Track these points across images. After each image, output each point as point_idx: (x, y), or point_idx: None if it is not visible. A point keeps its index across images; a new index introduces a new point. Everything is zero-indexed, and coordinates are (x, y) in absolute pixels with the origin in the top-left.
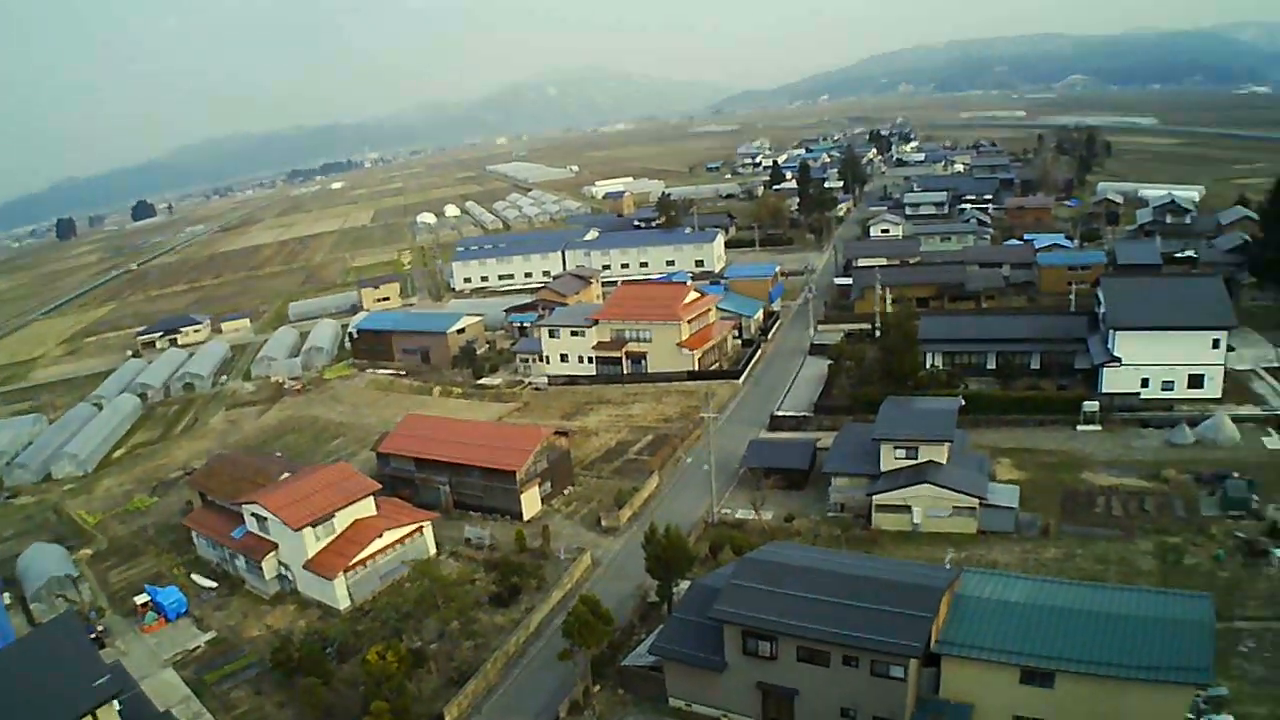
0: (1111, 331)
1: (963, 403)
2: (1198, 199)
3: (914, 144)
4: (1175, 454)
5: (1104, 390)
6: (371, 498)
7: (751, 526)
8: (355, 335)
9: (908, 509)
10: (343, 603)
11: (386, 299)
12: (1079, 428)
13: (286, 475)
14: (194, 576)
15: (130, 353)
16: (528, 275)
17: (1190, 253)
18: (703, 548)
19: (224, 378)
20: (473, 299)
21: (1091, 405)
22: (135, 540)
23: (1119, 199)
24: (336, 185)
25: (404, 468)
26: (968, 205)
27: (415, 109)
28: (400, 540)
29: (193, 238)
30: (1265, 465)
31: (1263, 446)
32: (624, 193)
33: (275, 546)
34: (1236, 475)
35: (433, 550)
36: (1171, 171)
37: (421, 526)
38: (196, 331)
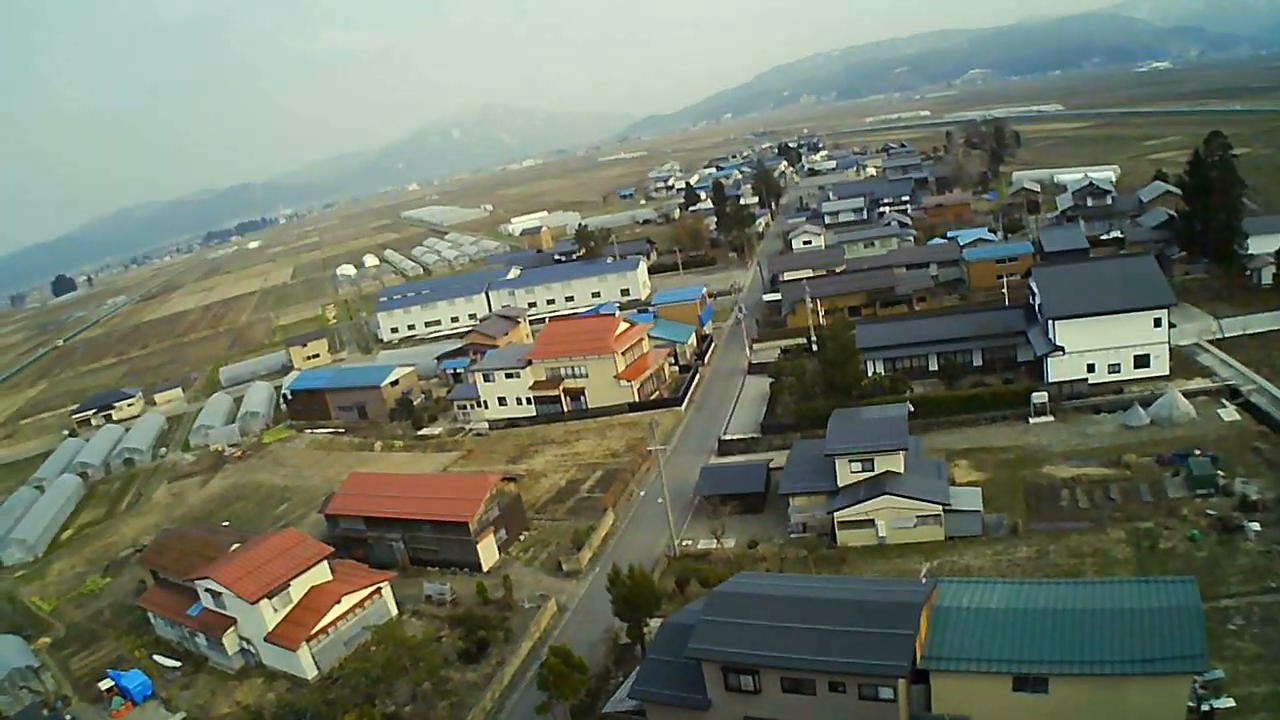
0: (1051, 322)
1: (911, 408)
2: (1115, 179)
3: (823, 153)
4: (1132, 437)
5: (1051, 380)
6: (325, 563)
7: (716, 556)
8: (289, 396)
9: (871, 523)
10: (310, 672)
11: (316, 355)
12: (1031, 420)
13: (236, 546)
14: (156, 657)
15: (66, 432)
16: (454, 320)
17: (1116, 233)
18: (668, 583)
19: (163, 450)
20: (402, 348)
21: (1041, 396)
22: (93, 624)
23: (1036, 187)
24: (253, 245)
25: (354, 527)
26: (886, 209)
27: (324, 162)
28: (360, 604)
29: (115, 309)
30: (1224, 438)
31: (1219, 419)
32: (540, 228)
33: (234, 621)
34: (1198, 452)
35: (394, 610)
36: (1083, 154)
37: (380, 587)
38: (130, 405)
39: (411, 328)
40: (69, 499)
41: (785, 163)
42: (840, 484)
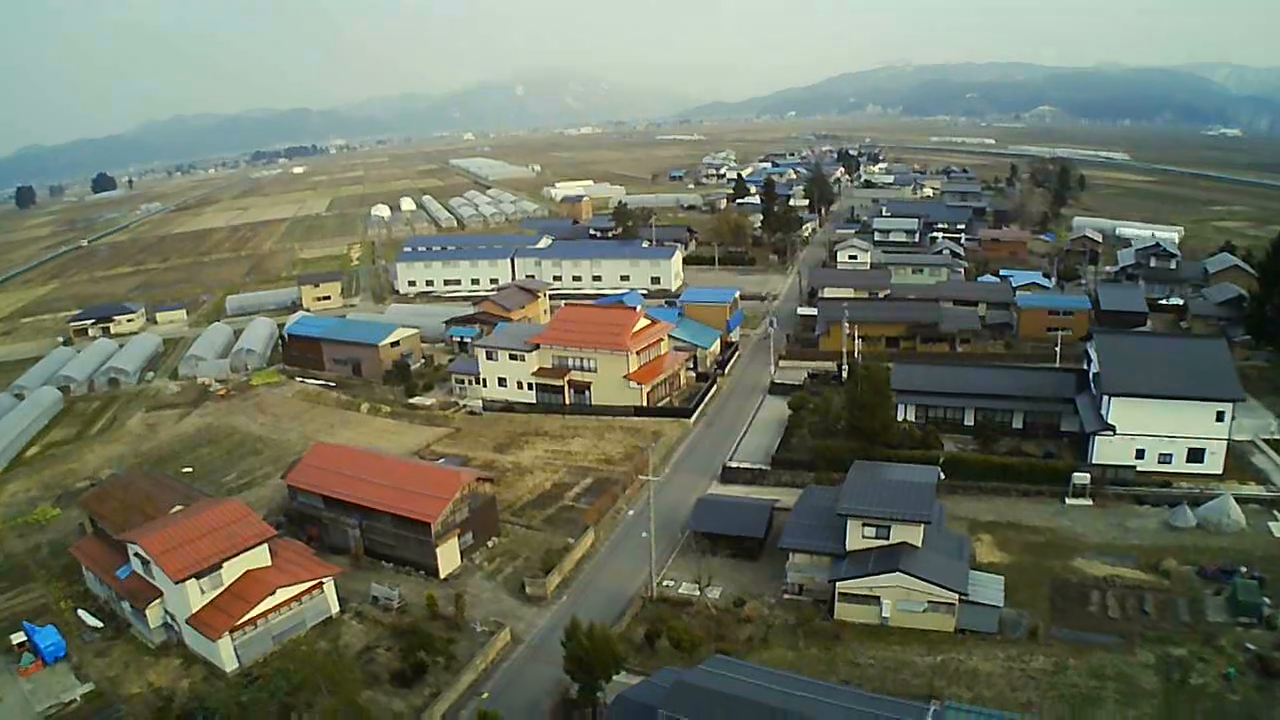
0: (1107, 397)
1: (942, 475)
2: (1177, 240)
3: (882, 165)
4: (1175, 539)
5: (1095, 460)
6: (266, 546)
7: (696, 608)
8: (286, 339)
9: (876, 600)
10: (229, 665)
11: (327, 298)
12: (1068, 501)
13: (178, 509)
14: (80, 612)
15: (61, 339)
16: (474, 282)
17: (1177, 300)
18: (638, 630)
19: (151, 374)
20: (415, 304)
21: (1083, 478)
22: (28, 561)
23: (1098, 237)
24: (298, 170)
25: (312, 503)
26: (939, 234)
27: (385, 100)
28: (297, 597)
29: (147, 215)
30: (1274, 558)
31: (1269, 534)
32: (583, 197)
33: (160, 594)
34: (1244, 571)
35: (335, 609)
36: (1146, 209)
37: (322, 582)
38: (130, 321)
39: (430, 284)
40: (44, 413)
41: (842, 169)
42: (849, 548)
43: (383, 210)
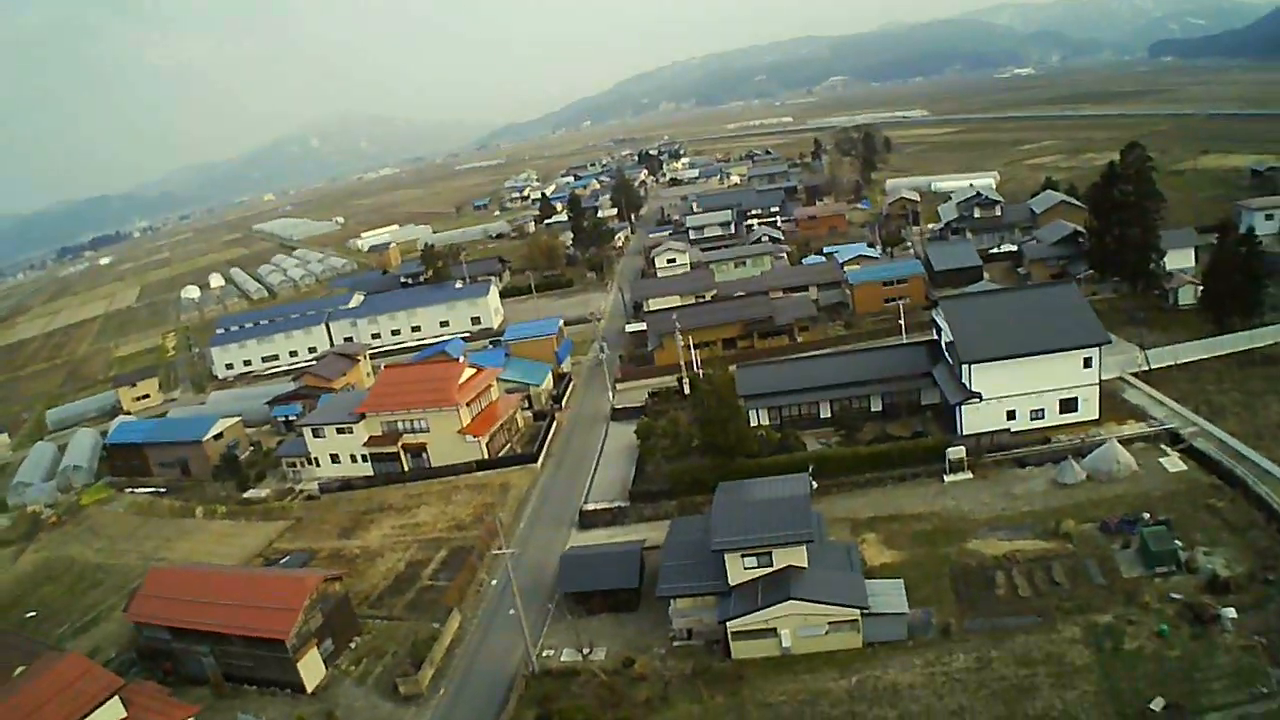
0: (966, 366)
1: (814, 484)
2: (995, 185)
3: (685, 160)
4: (1068, 496)
5: (966, 431)
6: (118, 699)
7: (584, 675)
8: (106, 450)
9: (773, 632)
10: None
11: (146, 396)
12: (947, 479)
13: (20, 671)
14: None
15: None
16: (292, 354)
17: (1010, 247)
18: (527, 715)
19: None
20: (236, 387)
21: (958, 451)
22: None
23: (915, 195)
24: (105, 261)
25: (158, 636)
26: (755, 221)
27: (183, 171)
28: None
29: None
30: (1174, 495)
31: (1163, 470)
32: (389, 244)
33: None
34: (1148, 518)
35: None
36: (958, 161)
37: None
38: None
39: (248, 363)
40: None
41: (646, 171)
42: (732, 582)
43: (192, 291)
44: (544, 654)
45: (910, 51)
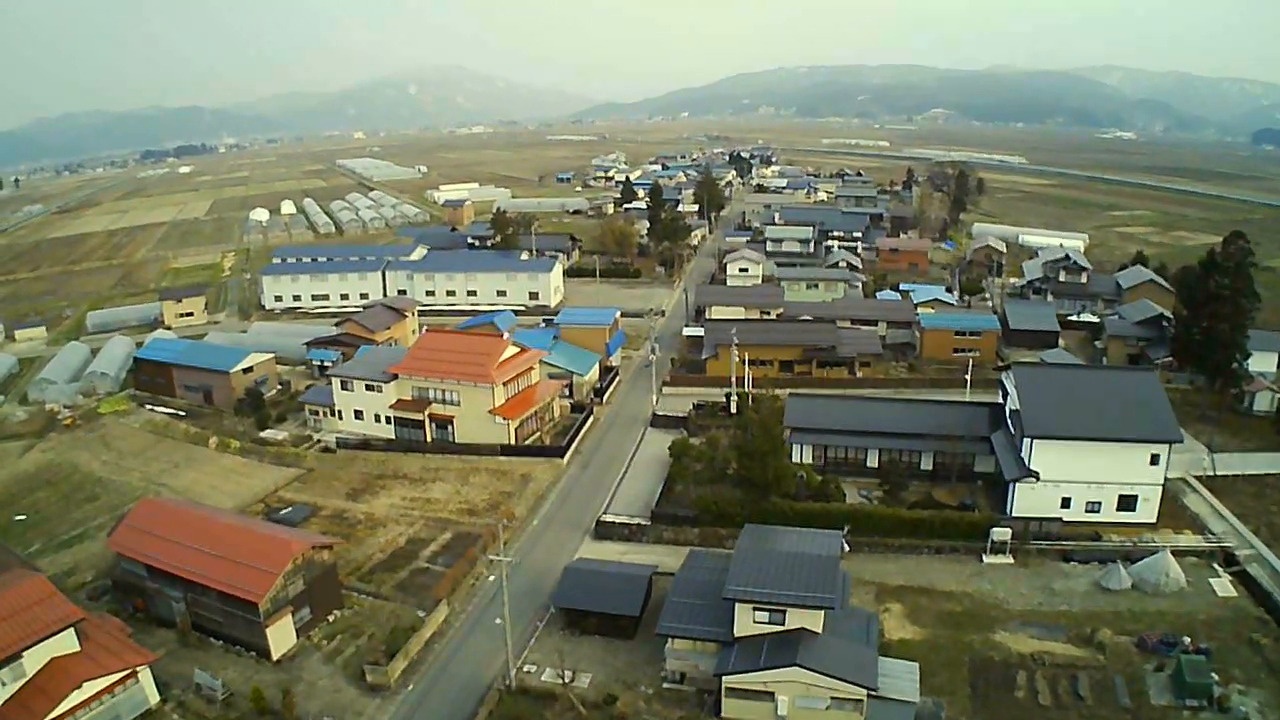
0: (1028, 439)
1: (847, 547)
2: (1083, 248)
3: (775, 168)
4: (1109, 603)
5: (1016, 512)
6: (72, 631)
7: (562, 703)
8: (134, 363)
9: (770, 696)
10: None
11: (190, 314)
12: (986, 559)
13: None
14: None
15: None
16: (343, 297)
17: (1090, 317)
18: None
19: (1, 398)
20: (281, 321)
21: (1003, 533)
22: None
23: (1000, 246)
24: (185, 169)
25: (135, 570)
26: (835, 244)
27: (278, 97)
28: (109, 689)
29: (28, 218)
30: (1218, 622)
31: (1211, 593)
32: (465, 201)
33: None
34: (1189, 643)
35: (154, 699)
36: (1048, 215)
37: (136, 671)
38: None
39: (297, 299)
40: None
41: (734, 172)
42: (738, 633)
43: (261, 215)
44: (525, 668)
45: (1015, 96)
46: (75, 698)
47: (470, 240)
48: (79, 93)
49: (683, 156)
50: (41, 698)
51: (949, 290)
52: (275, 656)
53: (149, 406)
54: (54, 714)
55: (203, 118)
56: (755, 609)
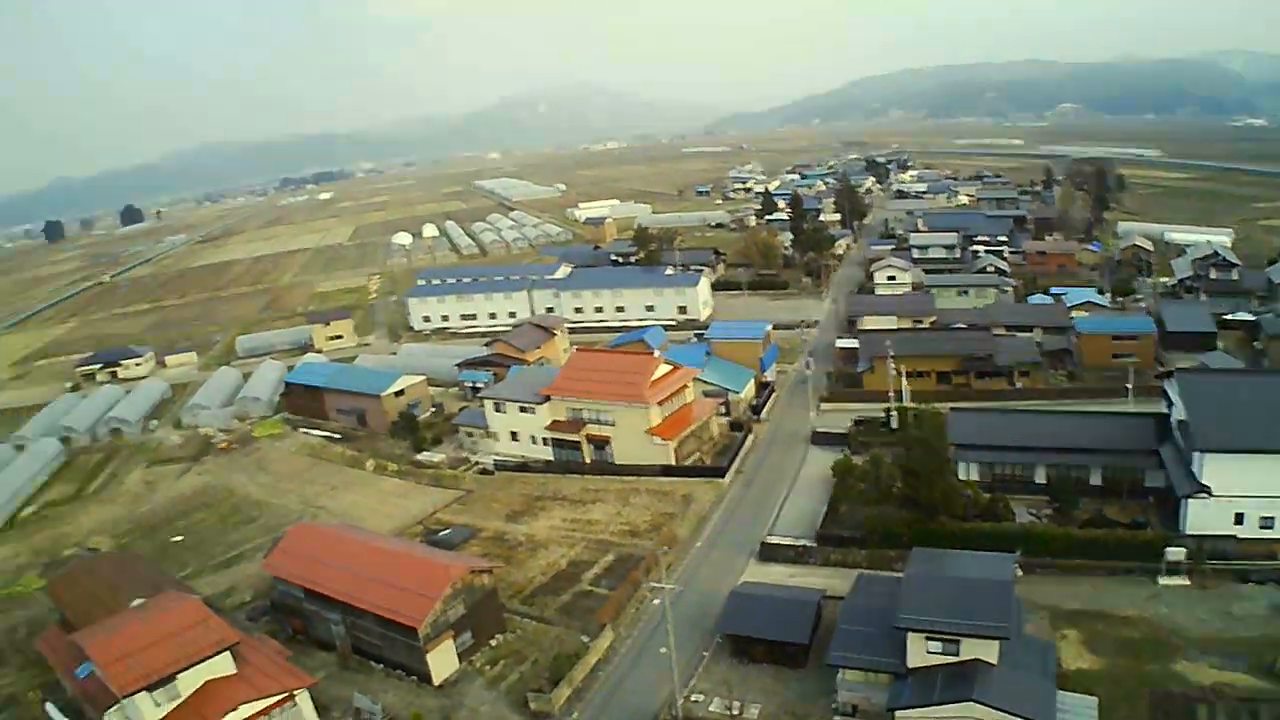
0: (1198, 453)
1: (1019, 572)
2: (1230, 244)
3: (913, 173)
4: None
5: (1188, 529)
6: (229, 654)
7: None
8: (285, 388)
9: None
10: None
11: (339, 337)
12: (1161, 581)
13: (139, 602)
14: (49, 707)
15: (70, 385)
16: (491, 316)
17: (1245, 315)
18: None
19: (154, 423)
20: (431, 341)
21: (1178, 553)
22: (7, 640)
23: (1148, 244)
24: (325, 196)
25: (292, 594)
26: (980, 248)
27: (410, 121)
28: (266, 711)
29: (172, 248)
30: None
31: None
32: (606, 218)
33: (117, 699)
34: None
35: None
36: (1191, 210)
37: (293, 695)
38: (138, 365)
39: (445, 319)
40: (44, 466)
41: (872, 178)
42: (911, 664)
43: (404, 238)
44: (692, 698)
45: (1144, 87)
46: (231, 719)
47: (614, 257)
48: (213, 124)
49: (819, 165)
50: (195, 719)
51: (1101, 292)
52: (437, 681)
53: (303, 430)
54: None
55: (337, 144)
56: (928, 639)
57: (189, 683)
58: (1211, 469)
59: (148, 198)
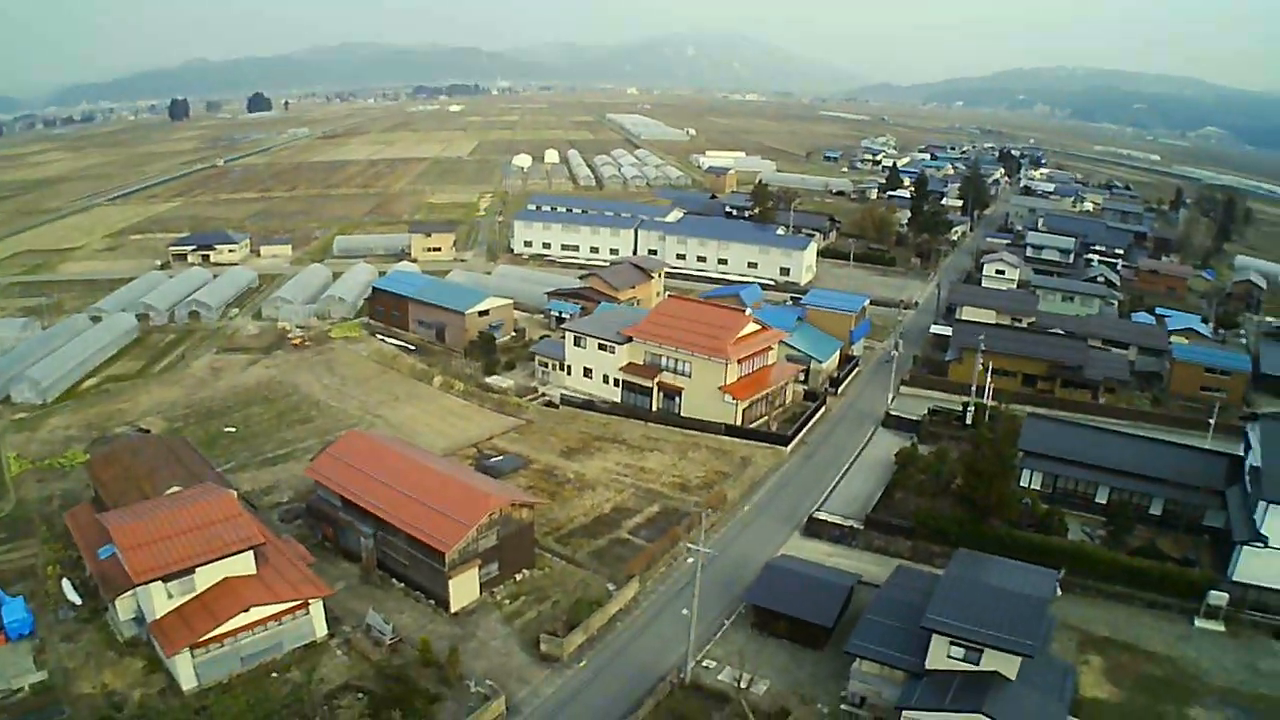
0: (1264, 503)
1: (1059, 591)
2: None
3: (1044, 171)
4: None
5: (1236, 576)
6: (250, 554)
7: (731, 709)
8: (371, 293)
9: None
10: (187, 683)
11: (438, 249)
12: (1197, 623)
13: (174, 490)
14: (65, 583)
15: (159, 263)
16: (594, 250)
17: None
18: None
19: (235, 311)
20: (528, 266)
21: (1220, 597)
22: (39, 511)
23: (1262, 282)
24: (455, 108)
25: (330, 500)
26: (1095, 257)
27: (556, 45)
28: (277, 616)
29: (292, 140)
30: None
31: None
32: (729, 169)
33: (132, 585)
34: None
35: (322, 632)
36: None
37: (308, 603)
38: (232, 251)
39: (547, 246)
40: (115, 340)
41: (1002, 170)
42: (928, 665)
43: (523, 160)
44: (705, 663)
45: None
46: (241, 620)
47: (728, 209)
48: (356, 24)
49: (953, 148)
50: (204, 614)
51: (1205, 321)
52: (453, 609)
53: (380, 336)
54: (215, 632)
55: (479, 59)
56: (951, 643)
57: (207, 578)
58: (1274, 520)
59: (280, 89)
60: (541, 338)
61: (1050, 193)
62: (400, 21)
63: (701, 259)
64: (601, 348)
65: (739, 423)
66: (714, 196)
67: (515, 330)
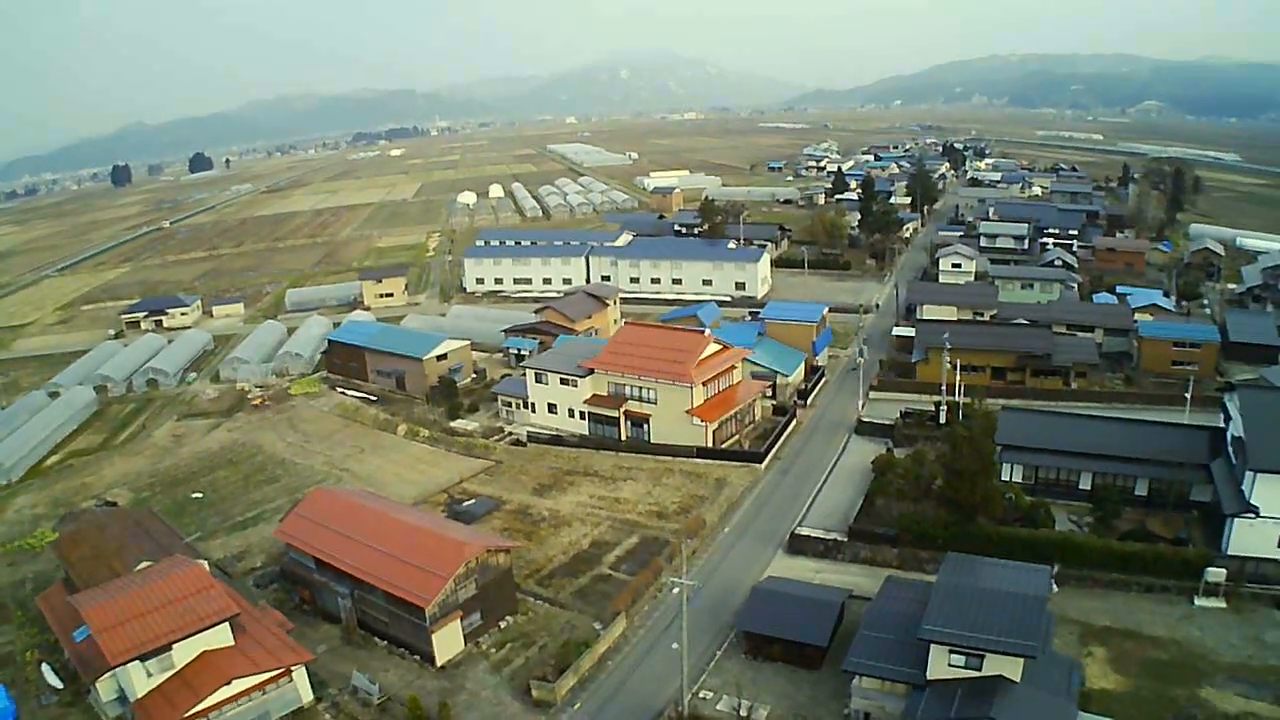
0: (1251, 473)
1: (1055, 587)
2: None
3: (989, 161)
4: None
5: (1230, 550)
6: (226, 624)
7: None
8: (328, 345)
9: None
10: None
11: (390, 295)
12: (1197, 601)
13: (144, 565)
14: (45, 668)
15: (113, 332)
16: (546, 281)
17: None
18: None
19: (193, 375)
20: (481, 304)
21: (1217, 575)
22: (11, 596)
23: (1219, 248)
24: (395, 152)
25: (303, 562)
26: (1050, 241)
27: (490, 81)
28: (261, 686)
29: (236, 196)
30: None
31: None
32: (674, 188)
33: (111, 666)
34: None
35: (307, 698)
36: (1265, 216)
37: (290, 670)
38: (184, 314)
39: (499, 282)
40: (74, 416)
41: (947, 164)
42: (930, 676)
43: (467, 197)
44: (701, 694)
45: (1229, 89)
46: (223, 693)
47: (677, 227)
48: (291, 76)
49: (895, 147)
50: (187, 691)
51: (1167, 295)
52: (439, 663)
53: (340, 390)
54: (199, 708)
55: (414, 101)
56: (951, 651)
57: (184, 653)
58: (1262, 490)
59: (220, 146)
60: (503, 377)
61: (997, 181)
62: (332, 72)
63: (655, 280)
64: (564, 382)
65: (710, 444)
66: (662, 217)
67: (475, 371)
